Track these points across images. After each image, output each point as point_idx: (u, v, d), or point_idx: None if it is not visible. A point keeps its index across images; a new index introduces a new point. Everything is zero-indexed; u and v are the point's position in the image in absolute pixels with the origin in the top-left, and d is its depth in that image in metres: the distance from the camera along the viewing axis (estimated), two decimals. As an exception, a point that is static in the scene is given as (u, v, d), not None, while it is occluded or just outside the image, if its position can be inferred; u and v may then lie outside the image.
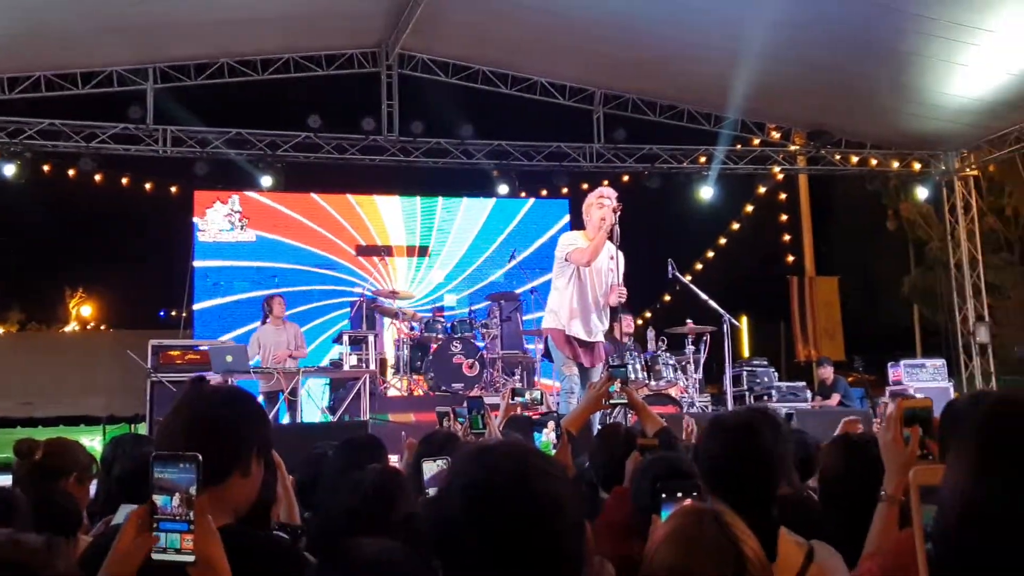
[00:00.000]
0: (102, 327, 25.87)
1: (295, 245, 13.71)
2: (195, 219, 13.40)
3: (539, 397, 5.48)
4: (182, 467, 1.55)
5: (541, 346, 10.72)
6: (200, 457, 1.55)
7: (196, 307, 13.26)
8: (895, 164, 14.01)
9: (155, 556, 1.53)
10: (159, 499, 1.54)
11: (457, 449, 3.02)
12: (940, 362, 11.84)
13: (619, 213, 6.64)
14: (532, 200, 14.62)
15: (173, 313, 16.81)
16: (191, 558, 1.52)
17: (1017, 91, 11.15)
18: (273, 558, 1.84)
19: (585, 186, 12.09)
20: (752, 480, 2.31)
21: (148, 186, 13.93)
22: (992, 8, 9.35)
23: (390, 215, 14.17)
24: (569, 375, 6.76)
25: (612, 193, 6.82)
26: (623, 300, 6.80)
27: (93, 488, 3.36)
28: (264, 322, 10.23)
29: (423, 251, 14.11)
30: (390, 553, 1.66)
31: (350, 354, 9.94)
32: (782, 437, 2.88)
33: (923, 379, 11.26)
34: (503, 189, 13.24)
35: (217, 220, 13.49)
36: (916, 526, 1.00)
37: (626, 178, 13.15)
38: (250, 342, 9.97)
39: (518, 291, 12.03)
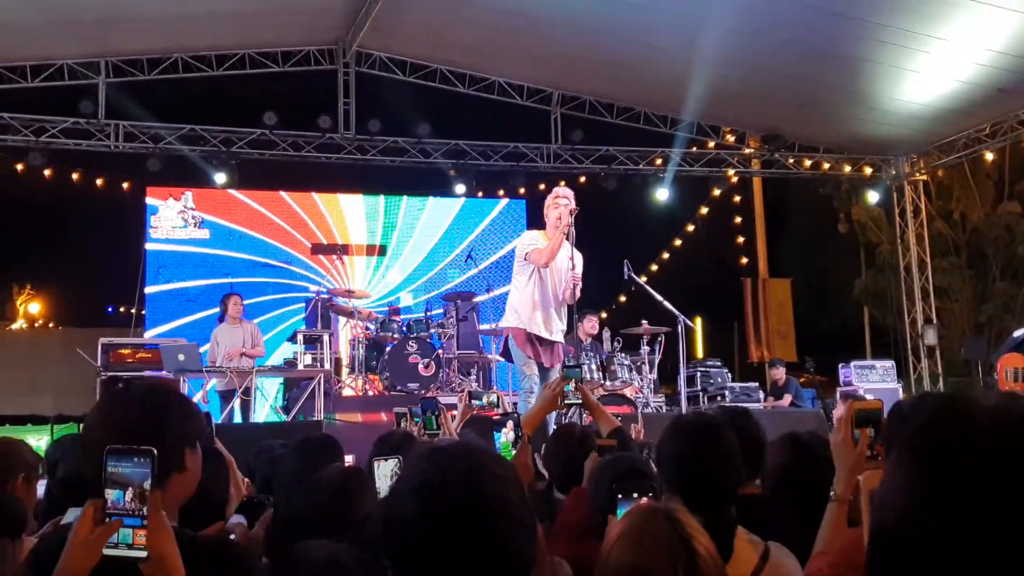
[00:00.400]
0: (51, 325, 25.40)
1: (251, 236, 13.58)
2: (148, 216, 13.22)
3: (496, 400, 5.48)
4: (136, 461, 1.53)
5: (499, 345, 10.75)
6: (155, 452, 1.53)
7: (148, 290, 13.08)
8: (847, 168, 14.23)
9: (107, 552, 1.51)
10: (112, 494, 1.52)
11: (412, 450, 3.01)
12: (889, 363, 12.04)
13: (575, 215, 6.67)
14: (505, 201, 14.61)
15: (122, 309, 16.60)
16: (144, 553, 1.50)
17: (966, 98, 11.40)
18: (220, 561, 1.82)
19: (542, 186, 12.16)
20: (712, 479, 2.34)
21: (99, 182, 13.66)
22: (942, 17, 9.54)
23: (352, 213, 14.09)
24: (529, 375, 6.73)
25: (569, 193, 6.84)
26: (577, 288, 6.77)
27: (42, 488, 3.30)
28: (221, 320, 10.18)
29: (382, 250, 14.05)
30: (339, 556, 1.65)
31: (304, 353, 9.86)
32: (754, 437, 2.93)
33: (873, 380, 11.44)
34: (460, 189, 13.23)
35: (170, 217, 13.30)
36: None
37: (583, 179, 13.19)
38: (210, 341, 10.02)
39: (478, 298, 11.99)
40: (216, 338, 9.94)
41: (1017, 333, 8.07)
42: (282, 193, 13.91)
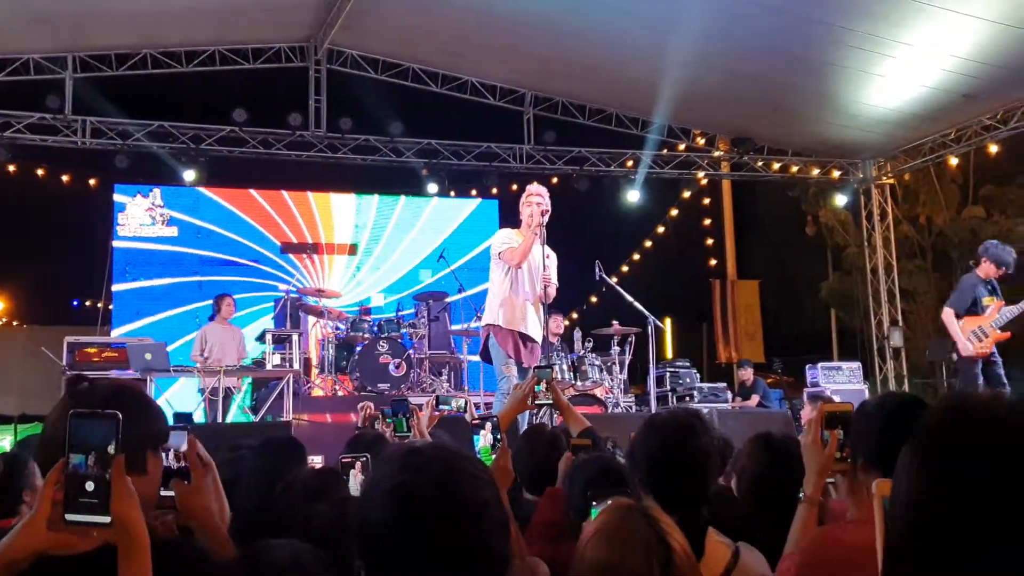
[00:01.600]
0: (15, 323, 25.00)
1: (219, 235, 13.50)
2: (115, 213, 13.09)
3: (464, 404, 5.46)
4: (100, 425, 1.50)
5: (472, 346, 10.73)
6: (120, 416, 1.50)
7: (115, 288, 12.98)
8: (815, 171, 14.36)
9: (69, 518, 1.46)
10: (75, 458, 1.48)
11: (384, 451, 3.00)
12: (856, 365, 12.14)
13: (547, 215, 6.64)
14: (478, 201, 14.63)
15: (88, 303, 16.40)
16: (107, 519, 1.46)
17: (932, 103, 11.55)
18: (177, 561, 1.80)
19: (515, 187, 12.17)
20: (685, 479, 2.36)
21: (66, 178, 13.50)
22: (908, 23, 9.64)
23: (323, 212, 14.05)
24: (508, 375, 6.64)
25: (543, 191, 6.79)
26: (551, 288, 6.75)
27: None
28: (212, 319, 10.32)
29: (353, 250, 14.00)
30: (301, 555, 1.65)
31: (273, 353, 9.82)
32: (712, 438, 2.95)
33: (839, 381, 11.53)
34: (432, 188, 13.21)
35: (138, 214, 13.18)
36: (879, 538, 1.03)
37: (555, 180, 13.21)
38: (196, 338, 10.15)
39: (450, 298, 11.98)
40: (205, 336, 10.03)
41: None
42: (252, 191, 13.84)
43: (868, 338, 14.71)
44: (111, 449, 1.48)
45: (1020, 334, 8.21)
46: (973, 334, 7.97)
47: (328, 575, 1.70)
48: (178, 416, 2.97)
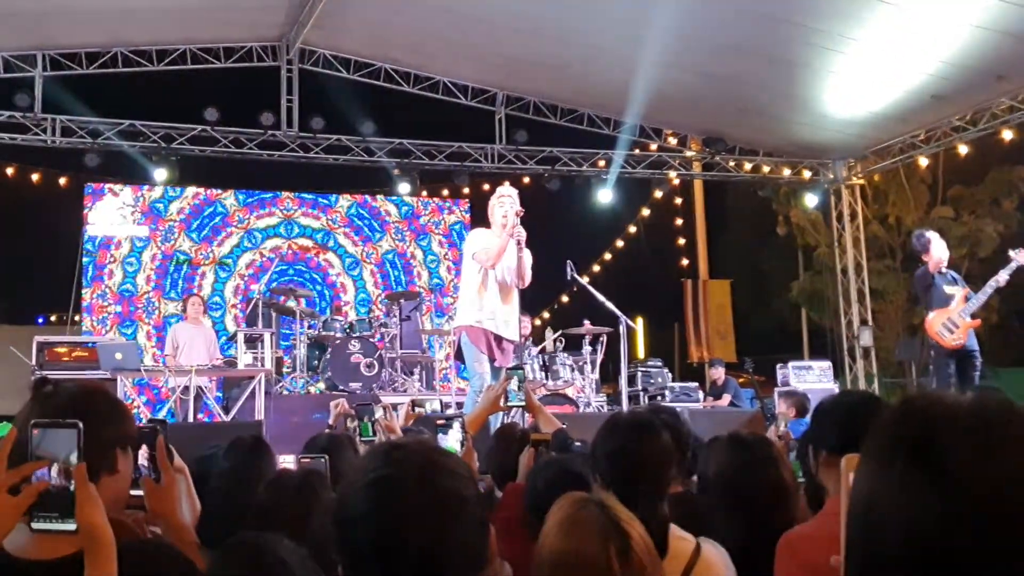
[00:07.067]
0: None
1: (190, 233, 13.45)
2: (85, 212, 12.99)
3: (439, 408, 5.47)
4: (61, 435, 1.51)
5: (444, 344, 10.74)
6: (81, 424, 1.51)
7: (85, 288, 12.92)
8: (786, 172, 14.47)
9: (35, 526, 1.49)
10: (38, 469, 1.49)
11: (339, 451, 3.01)
12: (826, 364, 12.23)
13: (520, 216, 6.67)
14: (450, 201, 14.67)
15: (53, 319, 16.26)
16: (73, 526, 1.48)
17: (901, 105, 11.67)
18: (159, 560, 1.81)
19: (487, 187, 12.18)
20: (645, 476, 2.38)
21: (35, 177, 13.39)
22: (877, 23, 9.74)
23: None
24: (480, 372, 6.65)
25: (513, 192, 6.85)
26: (525, 274, 6.77)
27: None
28: (182, 319, 10.53)
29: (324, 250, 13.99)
30: (288, 551, 1.66)
31: (245, 352, 9.78)
32: (683, 436, 2.99)
33: (810, 380, 11.60)
34: (404, 188, 13.18)
35: (108, 213, 13.08)
36: (843, 511, 1.04)
37: (527, 180, 13.22)
38: (167, 338, 10.29)
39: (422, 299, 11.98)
40: (175, 336, 10.08)
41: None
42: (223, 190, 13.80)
43: (838, 337, 14.82)
44: (73, 458, 1.50)
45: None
46: (944, 326, 7.88)
47: (314, 572, 1.71)
48: (151, 421, 2.97)
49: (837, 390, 11.84)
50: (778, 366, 12.15)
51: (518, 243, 6.63)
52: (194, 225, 13.44)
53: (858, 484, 0.97)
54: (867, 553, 0.93)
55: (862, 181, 14.88)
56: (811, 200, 15.01)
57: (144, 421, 2.50)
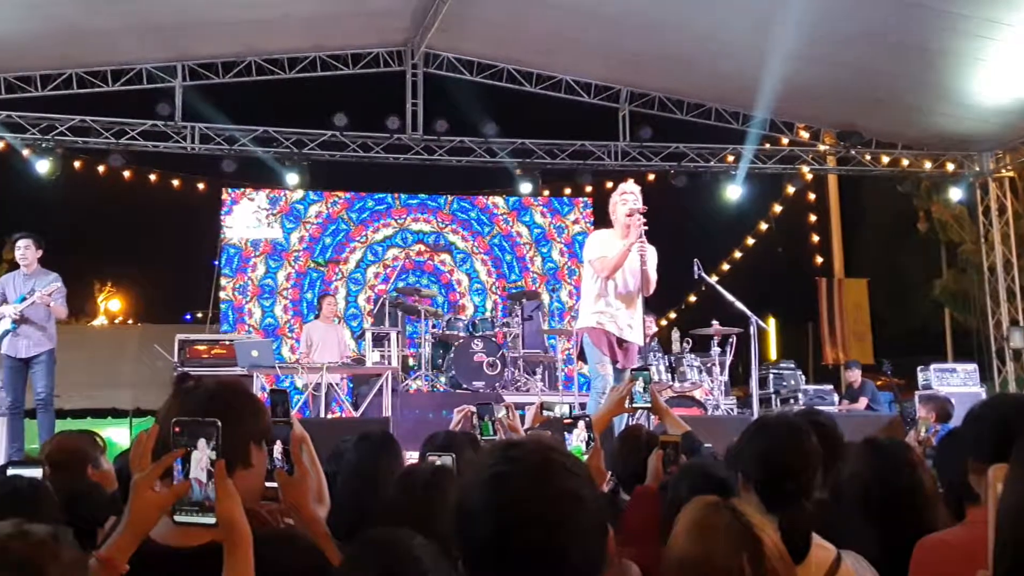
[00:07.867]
0: (129, 321, 26.10)
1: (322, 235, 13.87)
2: (223, 215, 13.57)
3: (567, 412, 5.40)
4: (201, 432, 1.62)
5: (565, 345, 10.68)
6: (219, 423, 1.62)
7: (224, 287, 13.50)
8: (927, 165, 13.83)
9: (177, 519, 1.60)
10: (177, 465, 1.61)
11: (461, 449, 3.02)
12: (972, 367, 11.66)
13: (644, 213, 6.46)
14: (577, 200, 14.67)
15: (200, 315, 17.05)
16: (212, 520, 1.59)
17: (1054, 91, 10.98)
18: (293, 550, 1.86)
19: (609, 185, 12.03)
20: (792, 479, 2.35)
21: (176, 182, 14.03)
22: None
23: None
24: (603, 374, 6.52)
25: (635, 188, 6.64)
26: (650, 283, 6.60)
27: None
28: (316, 318, 10.86)
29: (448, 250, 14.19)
30: (411, 544, 1.66)
31: (372, 351, 9.99)
32: (837, 444, 2.89)
33: (954, 384, 11.09)
34: (526, 188, 13.16)
35: (244, 216, 13.62)
36: (991, 520, 0.97)
37: (652, 177, 13.07)
38: (302, 336, 10.63)
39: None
40: (308, 335, 10.35)
41: None
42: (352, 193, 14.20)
43: (986, 339, 14.15)
44: (212, 455, 1.61)
45: None
46: None
47: (446, 569, 1.73)
48: (274, 392, 3.06)
49: (984, 394, 11.23)
50: (919, 368, 11.63)
51: (640, 251, 6.42)
52: (327, 240, 13.88)
53: (1009, 493, 0.91)
54: (1017, 563, 0.87)
55: (1012, 173, 14.09)
56: (955, 194, 14.32)
57: (268, 390, 2.60)
